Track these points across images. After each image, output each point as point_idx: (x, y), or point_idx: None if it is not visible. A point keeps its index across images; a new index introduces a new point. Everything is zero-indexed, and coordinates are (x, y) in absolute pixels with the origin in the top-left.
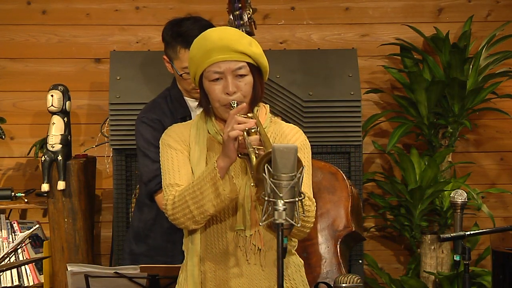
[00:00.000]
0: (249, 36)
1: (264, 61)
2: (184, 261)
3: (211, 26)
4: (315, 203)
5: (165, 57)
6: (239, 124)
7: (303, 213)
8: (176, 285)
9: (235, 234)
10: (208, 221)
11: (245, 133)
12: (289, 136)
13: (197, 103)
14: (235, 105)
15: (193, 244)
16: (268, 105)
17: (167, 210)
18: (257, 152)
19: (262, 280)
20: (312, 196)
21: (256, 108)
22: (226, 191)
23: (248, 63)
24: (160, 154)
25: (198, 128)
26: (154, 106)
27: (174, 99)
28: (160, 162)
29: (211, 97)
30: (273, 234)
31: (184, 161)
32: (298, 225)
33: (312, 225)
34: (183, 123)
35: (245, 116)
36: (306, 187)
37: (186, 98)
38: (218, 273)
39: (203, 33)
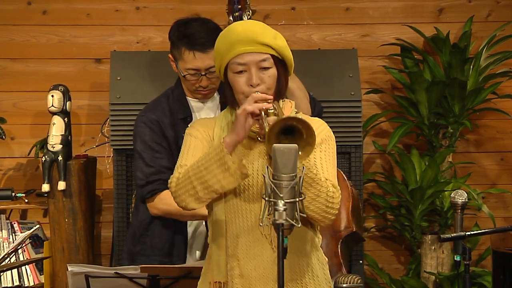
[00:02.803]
0: (274, 30)
1: (288, 54)
2: (208, 252)
3: (219, 28)
4: (339, 191)
5: (170, 56)
6: (256, 102)
7: (303, 213)
8: (201, 277)
9: (261, 222)
10: (232, 210)
11: (263, 113)
12: (314, 127)
13: (202, 103)
14: None
15: (218, 234)
16: (294, 102)
17: (171, 187)
18: None
19: (286, 269)
20: (336, 184)
21: (281, 102)
22: (235, 164)
23: (272, 55)
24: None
25: (223, 120)
26: (155, 105)
27: (176, 98)
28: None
29: (235, 89)
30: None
31: (202, 148)
32: (299, 225)
33: (337, 211)
34: (210, 117)
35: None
36: (331, 176)
37: (188, 98)
38: (243, 261)
39: (229, 26)
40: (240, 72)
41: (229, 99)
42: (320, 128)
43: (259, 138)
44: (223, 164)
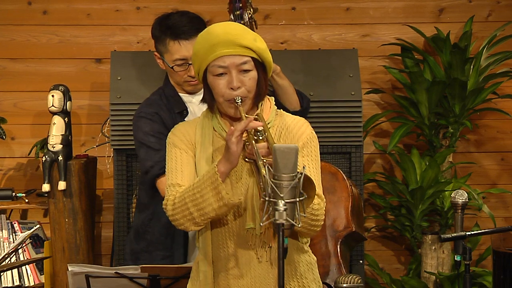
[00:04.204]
0: (254, 32)
1: (268, 56)
2: (196, 258)
3: (199, 18)
4: (324, 200)
5: (156, 53)
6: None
7: (304, 213)
8: (189, 280)
9: (246, 233)
10: (218, 221)
11: (253, 141)
12: (296, 129)
13: (192, 97)
14: (239, 100)
15: (204, 244)
16: (273, 97)
17: (167, 210)
18: (265, 161)
19: (272, 278)
20: (321, 193)
21: (260, 103)
22: (229, 195)
23: (252, 58)
24: (166, 153)
25: (204, 127)
26: (150, 102)
27: (169, 96)
28: (166, 161)
29: (215, 92)
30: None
31: (188, 161)
32: (299, 225)
33: (322, 222)
34: (189, 121)
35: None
36: (316, 183)
37: (180, 94)
38: (230, 272)
39: (207, 28)
40: (221, 74)
41: (208, 102)
42: (301, 129)
43: (246, 159)
44: (218, 193)
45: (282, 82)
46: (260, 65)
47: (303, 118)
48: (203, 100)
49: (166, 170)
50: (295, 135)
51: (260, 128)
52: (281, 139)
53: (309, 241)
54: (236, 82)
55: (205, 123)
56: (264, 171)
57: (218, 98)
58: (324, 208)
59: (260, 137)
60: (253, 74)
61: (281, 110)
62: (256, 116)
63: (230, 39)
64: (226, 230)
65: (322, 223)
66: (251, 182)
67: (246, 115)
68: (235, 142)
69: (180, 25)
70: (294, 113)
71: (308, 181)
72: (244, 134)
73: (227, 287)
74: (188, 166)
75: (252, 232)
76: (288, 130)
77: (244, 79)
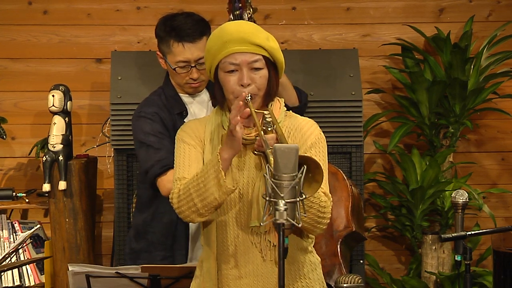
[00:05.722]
0: (267, 32)
1: (280, 56)
2: (200, 256)
3: (204, 20)
4: (331, 199)
5: (158, 53)
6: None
7: (304, 213)
8: (193, 279)
9: (250, 231)
10: (223, 218)
11: (261, 131)
12: (304, 129)
13: (192, 98)
14: (249, 97)
15: (209, 241)
16: (283, 99)
17: (173, 203)
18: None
19: (276, 277)
20: (328, 191)
21: (270, 103)
22: (226, 182)
23: (264, 56)
24: (174, 149)
25: (213, 124)
26: (150, 102)
27: (169, 96)
28: (174, 157)
29: (226, 88)
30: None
31: (196, 156)
32: (299, 225)
33: (328, 220)
34: (199, 118)
35: (260, 111)
36: (323, 183)
37: (180, 94)
38: (234, 271)
39: (221, 25)
40: (232, 71)
41: (218, 99)
42: (310, 130)
43: (255, 152)
44: (218, 181)
45: (281, 79)
46: (271, 64)
47: (312, 120)
48: (213, 97)
49: (174, 165)
50: (304, 135)
51: (268, 120)
52: (290, 139)
53: (313, 242)
54: (246, 79)
55: (215, 120)
56: (272, 157)
57: (228, 95)
58: (330, 207)
59: (269, 129)
60: (264, 72)
61: (290, 111)
62: (266, 112)
63: (243, 36)
64: (231, 227)
65: (328, 221)
66: (258, 179)
67: (256, 110)
68: (238, 129)
69: (185, 27)
70: (293, 108)
71: (315, 165)
72: (254, 130)
73: (230, 284)
74: (196, 161)
75: (257, 231)
76: (297, 131)
77: (255, 76)
